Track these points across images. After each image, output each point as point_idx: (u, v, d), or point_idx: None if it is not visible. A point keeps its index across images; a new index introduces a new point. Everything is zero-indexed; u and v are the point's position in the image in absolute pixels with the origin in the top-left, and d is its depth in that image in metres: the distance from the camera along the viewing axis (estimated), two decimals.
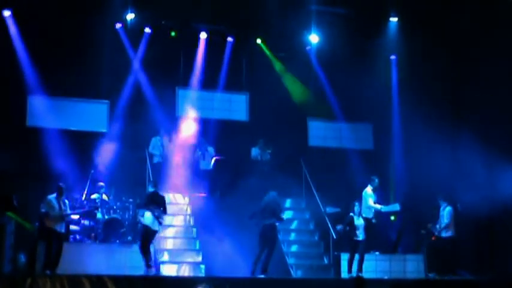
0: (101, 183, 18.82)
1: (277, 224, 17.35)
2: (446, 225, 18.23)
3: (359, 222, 17.77)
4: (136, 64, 21.19)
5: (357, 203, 18.03)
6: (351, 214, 17.84)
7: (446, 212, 18.31)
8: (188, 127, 21.02)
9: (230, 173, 20.83)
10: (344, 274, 18.14)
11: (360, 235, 17.72)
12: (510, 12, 18.95)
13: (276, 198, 17.56)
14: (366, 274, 17.32)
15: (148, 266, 16.19)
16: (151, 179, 18.35)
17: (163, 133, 20.96)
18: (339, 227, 18.29)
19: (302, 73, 22.55)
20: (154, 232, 16.69)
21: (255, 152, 21.61)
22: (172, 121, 21.45)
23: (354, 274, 17.33)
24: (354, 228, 17.68)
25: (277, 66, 22.76)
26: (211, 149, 21.29)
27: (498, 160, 18.85)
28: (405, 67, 22.41)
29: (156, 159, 20.63)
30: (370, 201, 18.52)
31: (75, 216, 17.40)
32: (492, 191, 18.82)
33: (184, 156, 20.92)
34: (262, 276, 16.76)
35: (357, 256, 17.71)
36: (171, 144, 20.94)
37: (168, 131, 21.09)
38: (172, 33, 21.71)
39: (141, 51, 21.32)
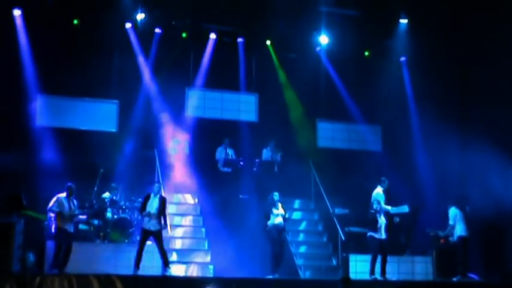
0: (113, 184, 18.79)
1: (269, 224, 17.36)
2: (451, 228, 18.22)
3: (381, 220, 17.61)
4: (146, 64, 21.19)
5: (375, 201, 17.89)
6: (372, 211, 17.68)
7: (450, 215, 18.31)
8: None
9: (240, 173, 20.85)
10: (353, 275, 18.09)
11: (383, 234, 17.60)
12: None
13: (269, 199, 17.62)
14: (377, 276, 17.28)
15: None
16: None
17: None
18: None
19: (312, 74, 22.50)
20: None
21: (266, 153, 21.62)
22: (183, 121, 21.52)
23: (378, 276, 17.23)
24: (378, 226, 17.55)
25: (281, 76, 22.73)
26: (231, 151, 21.29)
27: (508, 162, 18.80)
28: (415, 68, 22.38)
29: (172, 160, 20.69)
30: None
31: (84, 216, 17.41)
32: (502, 193, 18.77)
33: (201, 157, 21.04)
34: (271, 276, 16.76)
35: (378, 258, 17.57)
36: (186, 145, 20.97)
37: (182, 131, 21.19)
38: (184, 34, 21.73)
39: (151, 52, 21.33)
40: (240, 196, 20.51)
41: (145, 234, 16.41)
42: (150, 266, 16.37)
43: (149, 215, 16.39)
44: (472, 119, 20.99)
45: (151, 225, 16.41)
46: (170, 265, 16.57)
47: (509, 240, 19.40)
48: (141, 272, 15.99)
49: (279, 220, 17.33)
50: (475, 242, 18.93)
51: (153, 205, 16.54)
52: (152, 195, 16.71)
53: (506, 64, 19.29)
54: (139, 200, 18.22)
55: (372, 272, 17.30)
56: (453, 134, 20.76)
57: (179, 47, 21.71)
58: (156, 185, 17.03)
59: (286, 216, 17.78)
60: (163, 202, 16.77)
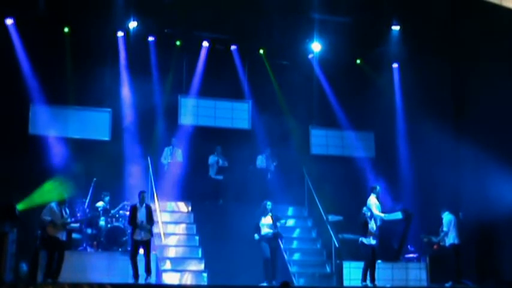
0: (107, 192, 18.79)
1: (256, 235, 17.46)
2: (445, 234, 18.24)
3: (372, 225, 17.58)
4: (138, 72, 21.15)
5: (367, 208, 17.87)
6: (362, 215, 17.64)
7: (445, 220, 18.32)
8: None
9: (233, 181, 20.88)
10: (347, 282, 18.09)
11: (374, 240, 17.58)
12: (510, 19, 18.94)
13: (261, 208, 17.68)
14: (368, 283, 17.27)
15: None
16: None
17: (175, 143, 21.00)
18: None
19: (304, 81, 22.52)
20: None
21: (261, 160, 21.64)
22: (176, 129, 21.55)
23: (368, 283, 17.22)
24: (368, 232, 17.51)
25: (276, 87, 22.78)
26: (222, 159, 21.30)
27: (501, 168, 18.83)
28: (407, 75, 22.42)
29: (166, 168, 20.70)
30: (375, 210, 18.42)
31: (77, 224, 17.39)
32: (496, 199, 18.80)
33: (194, 165, 21.09)
34: (265, 284, 16.76)
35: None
36: (179, 153, 20.98)
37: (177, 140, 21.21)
38: (177, 43, 21.75)
39: (144, 60, 21.31)
40: (220, 202, 20.67)
41: (137, 245, 16.43)
42: (141, 274, 16.31)
43: (141, 225, 16.40)
44: (466, 125, 21.01)
45: (142, 235, 16.43)
46: (163, 273, 16.54)
47: (503, 246, 19.41)
48: (133, 280, 15.97)
49: (265, 230, 17.34)
50: (469, 248, 18.95)
51: (142, 215, 16.55)
52: (138, 205, 16.71)
53: (499, 70, 19.32)
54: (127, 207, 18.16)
55: (364, 279, 17.28)
56: (447, 140, 20.78)
57: (172, 55, 21.73)
58: (142, 194, 16.97)
59: (279, 224, 17.76)
60: (149, 211, 16.78)
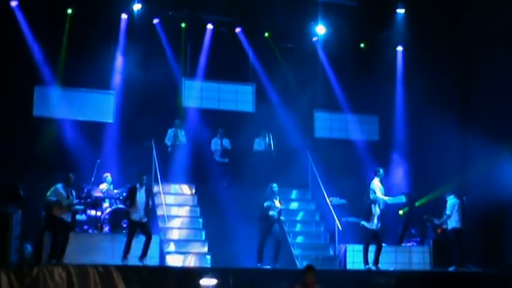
0: (107, 174, 18.86)
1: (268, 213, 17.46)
2: (447, 217, 18.22)
3: (375, 210, 17.57)
4: (142, 55, 21.13)
5: (372, 191, 17.84)
6: (368, 201, 17.63)
7: (449, 204, 18.30)
8: None
9: (237, 164, 20.90)
10: (350, 265, 18.13)
11: (376, 224, 17.58)
12: None
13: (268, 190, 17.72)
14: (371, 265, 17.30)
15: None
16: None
17: (178, 124, 20.99)
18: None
19: (309, 64, 22.49)
20: None
21: (258, 142, 21.60)
22: (179, 112, 21.56)
23: (371, 266, 17.24)
24: (371, 216, 17.55)
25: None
26: (226, 141, 21.31)
27: (506, 152, 18.81)
28: (412, 58, 22.38)
29: (168, 150, 20.73)
30: (378, 193, 18.37)
31: (82, 206, 17.43)
32: (500, 183, 18.79)
33: (198, 147, 21.12)
34: (268, 266, 16.79)
35: (372, 247, 17.53)
36: (182, 135, 20.99)
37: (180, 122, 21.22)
38: (182, 25, 21.71)
39: (148, 42, 21.29)
40: (225, 185, 20.68)
41: (134, 226, 16.46)
42: (147, 256, 16.36)
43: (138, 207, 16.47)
44: (471, 108, 20.97)
45: (139, 217, 16.46)
46: (166, 255, 16.60)
47: (508, 231, 19.41)
48: (137, 262, 16.01)
49: (272, 212, 17.40)
50: (474, 232, 18.94)
51: (141, 197, 16.58)
52: (138, 186, 16.70)
53: (505, 52, 19.27)
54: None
55: (366, 261, 17.31)
56: (451, 123, 20.76)
57: (176, 38, 21.70)
58: (144, 176, 16.93)
59: (282, 206, 17.82)
60: (148, 194, 16.83)
